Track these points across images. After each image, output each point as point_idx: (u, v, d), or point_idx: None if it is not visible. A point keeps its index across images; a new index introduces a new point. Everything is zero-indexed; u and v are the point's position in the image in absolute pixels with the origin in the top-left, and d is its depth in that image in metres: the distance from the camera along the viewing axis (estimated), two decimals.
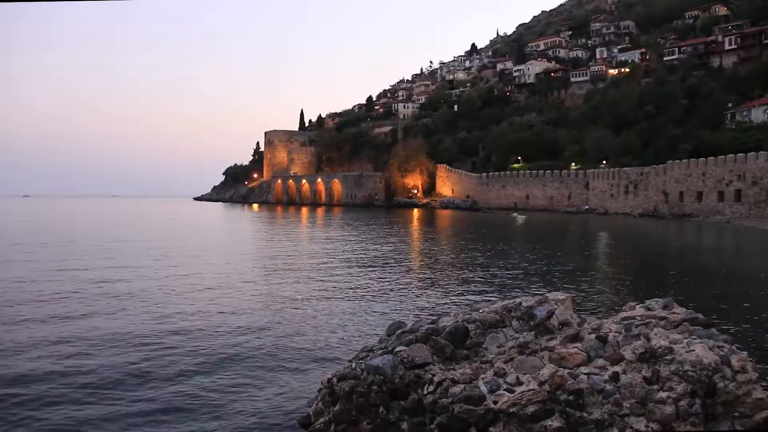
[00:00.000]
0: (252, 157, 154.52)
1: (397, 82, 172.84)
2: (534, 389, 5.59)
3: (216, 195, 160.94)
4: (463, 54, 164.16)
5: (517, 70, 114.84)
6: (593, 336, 6.15)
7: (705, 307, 12.84)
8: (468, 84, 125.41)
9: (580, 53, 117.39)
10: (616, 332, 6.18)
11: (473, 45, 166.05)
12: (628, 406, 5.40)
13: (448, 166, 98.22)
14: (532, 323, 6.51)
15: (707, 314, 7.03)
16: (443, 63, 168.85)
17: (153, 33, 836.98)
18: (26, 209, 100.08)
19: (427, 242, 36.10)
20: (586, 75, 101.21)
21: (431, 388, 5.95)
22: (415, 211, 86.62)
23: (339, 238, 37.64)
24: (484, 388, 5.74)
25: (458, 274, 20.55)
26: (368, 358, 6.58)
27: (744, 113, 66.48)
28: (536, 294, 7.52)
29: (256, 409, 7.64)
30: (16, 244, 31.89)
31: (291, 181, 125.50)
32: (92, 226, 51.50)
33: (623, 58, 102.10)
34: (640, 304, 7.13)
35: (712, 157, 56.66)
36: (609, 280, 19.67)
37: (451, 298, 15.76)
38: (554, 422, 5.43)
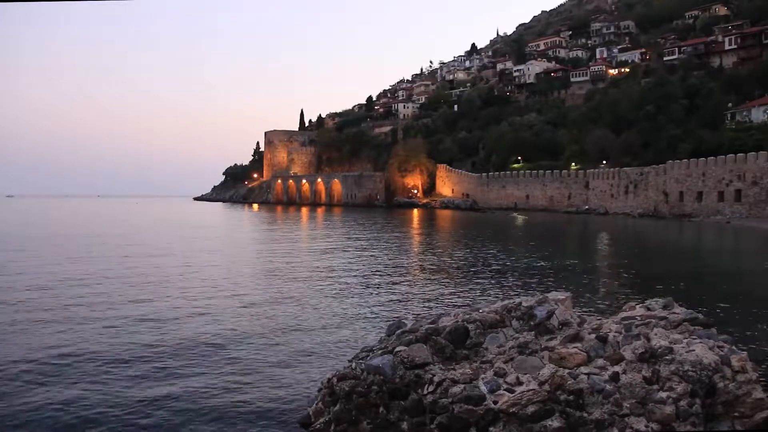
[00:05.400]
0: (252, 157, 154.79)
1: (397, 82, 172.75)
2: (534, 389, 5.59)
3: (216, 195, 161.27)
4: (463, 54, 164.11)
5: (517, 70, 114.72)
6: (593, 336, 6.15)
7: (705, 307, 12.86)
8: (468, 84, 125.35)
9: (580, 53, 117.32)
10: (616, 332, 6.18)
11: (473, 45, 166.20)
12: (628, 406, 5.40)
13: (448, 166, 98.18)
14: (532, 323, 6.50)
15: (707, 314, 7.04)
16: (443, 63, 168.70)
17: (152, 33, 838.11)
18: (17, 209, 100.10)
19: (426, 242, 36.09)
20: (586, 75, 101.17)
21: (431, 388, 5.94)
22: (415, 211, 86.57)
23: (339, 238, 37.64)
24: (484, 388, 5.74)
25: (458, 274, 20.54)
26: (368, 358, 6.58)
27: (744, 113, 66.40)
28: (536, 294, 7.52)
29: (256, 409, 7.64)
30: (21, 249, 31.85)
31: (291, 181, 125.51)
32: (87, 227, 51.48)
33: (623, 58, 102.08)
34: (640, 304, 7.13)
35: (712, 157, 56.61)
36: (609, 280, 19.66)
37: (451, 298, 15.75)
38: (554, 422, 5.43)
